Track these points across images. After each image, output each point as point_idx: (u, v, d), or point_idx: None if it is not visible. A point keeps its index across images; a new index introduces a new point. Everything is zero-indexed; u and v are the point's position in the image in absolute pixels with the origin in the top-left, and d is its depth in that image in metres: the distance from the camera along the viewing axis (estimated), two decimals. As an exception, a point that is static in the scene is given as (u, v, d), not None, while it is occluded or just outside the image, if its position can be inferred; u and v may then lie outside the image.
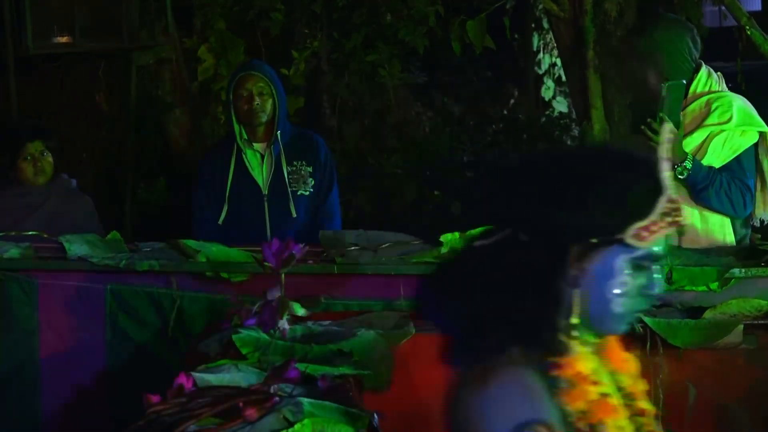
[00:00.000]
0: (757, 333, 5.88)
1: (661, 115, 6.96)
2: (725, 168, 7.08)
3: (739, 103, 7.22)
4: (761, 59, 7.30)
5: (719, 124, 7.11)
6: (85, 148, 11.35)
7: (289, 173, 7.89)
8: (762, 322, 5.92)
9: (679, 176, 6.97)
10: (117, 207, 10.69)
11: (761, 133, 7.16)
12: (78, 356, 6.31)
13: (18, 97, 12.22)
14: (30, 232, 6.78)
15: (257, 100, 7.80)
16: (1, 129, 9.64)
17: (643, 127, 6.99)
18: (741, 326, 5.86)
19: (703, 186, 7.04)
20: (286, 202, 7.85)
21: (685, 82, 7.18)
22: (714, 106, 7.18)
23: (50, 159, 8.38)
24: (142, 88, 12.83)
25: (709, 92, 7.26)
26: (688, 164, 6.97)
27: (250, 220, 7.78)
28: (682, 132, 7.01)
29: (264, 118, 7.84)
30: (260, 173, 7.87)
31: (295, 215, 7.84)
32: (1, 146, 8.52)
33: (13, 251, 6.45)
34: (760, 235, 7.14)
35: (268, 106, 7.83)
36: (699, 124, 7.13)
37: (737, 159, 7.14)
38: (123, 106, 12.72)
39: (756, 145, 7.17)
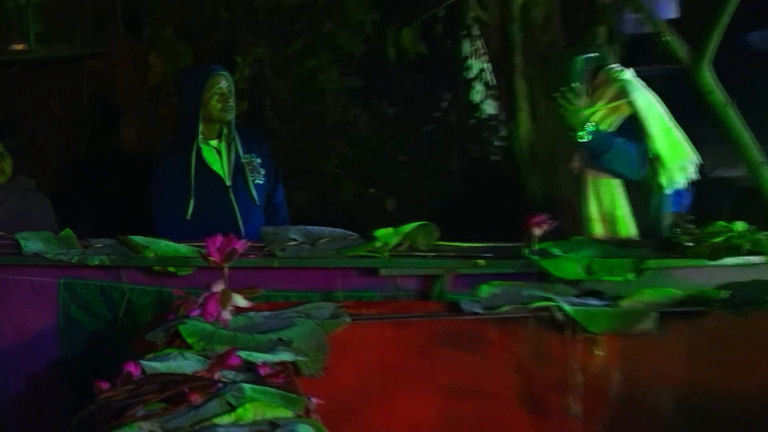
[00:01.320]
0: (670, 320, 5.93)
1: (574, 85, 7.12)
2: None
3: (621, 83, 7.41)
4: (679, 64, 7.36)
5: (598, 101, 7.30)
6: (42, 149, 11.34)
7: (244, 163, 8.02)
8: (675, 309, 5.98)
9: (581, 140, 7.13)
10: (72, 205, 10.66)
11: (634, 104, 7.32)
12: (32, 345, 6.32)
13: (-23, 105, 12.27)
14: (-14, 230, 6.79)
15: (228, 100, 7.94)
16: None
17: (557, 94, 7.15)
18: (655, 313, 5.93)
19: (603, 149, 7.24)
20: (248, 190, 7.96)
21: (594, 55, 7.37)
22: (602, 87, 7.39)
23: (9, 160, 8.45)
24: (94, 92, 12.83)
25: (603, 78, 7.47)
26: (590, 128, 7.13)
27: (219, 211, 7.87)
28: (584, 101, 7.19)
29: (230, 115, 7.95)
30: (220, 167, 7.95)
31: (258, 202, 7.98)
32: None
33: (-29, 247, 6.49)
34: (692, 217, 7.22)
35: (232, 104, 7.97)
36: None
37: (622, 128, 7.31)
38: (76, 109, 12.71)
39: (635, 116, 7.33)
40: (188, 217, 7.74)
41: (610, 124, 7.36)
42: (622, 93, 7.39)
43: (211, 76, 7.99)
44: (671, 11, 30.64)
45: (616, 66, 7.55)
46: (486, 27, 10.71)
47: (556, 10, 10.54)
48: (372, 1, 12.12)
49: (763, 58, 32.42)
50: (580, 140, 7.26)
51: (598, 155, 7.30)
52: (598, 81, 7.45)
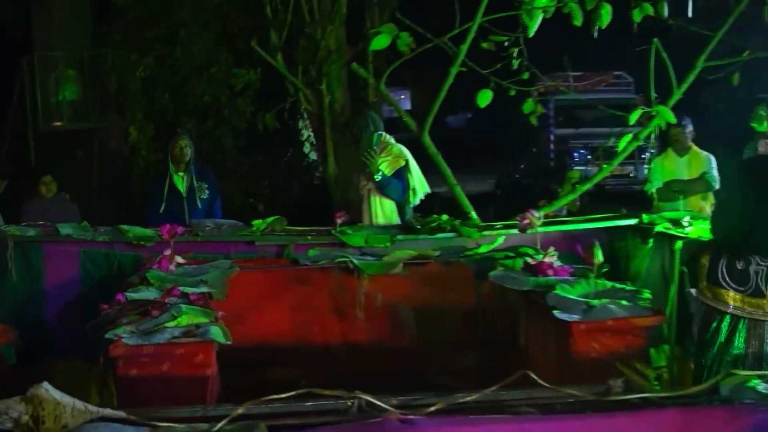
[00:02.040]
0: (410, 266, 5.92)
1: (374, 148, 7.13)
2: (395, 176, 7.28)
3: (397, 148, 7.38)
4: (413, 133, 7.34)
5: (385, 157, 7.28)
6: (72, 179, 11.01)
7: (196, 187, 7.95)
8: (412, 261, 5.97)
9: (376, 180, 7.14)
10: (88, 209, 10.37)
11: (406, 160, 7.31)
12: (66, 285, 6.09)
13: (35, 154, 12.06)
14: (40, 222, 6.55)
15: (186, 150, 7.93)
16: (27, 171, 9.96)
17: (365, 155, 7.15)
18: (402, 263, 5.91)
19: (386, 185, 7.23)
20: (195, 201, 7.89)
21: (380, 132, 7.36)
22: (386, 150, 7.35)
23: (55, 183, 8.71)
24: (99, 148, 12.67)
25: (385, 142, 7.41)
26: (380, 173, 7.15)
27: (177, 210, 7.76)
28: (377, 157, 7.20)
29: (187, 158, 7.94)
30: (182, 187, 7.91)
31: (200, 207, 7.87)
32: (31, 178, 8.86)
33: (31, 231, 6.22)
34: (420, 214, 7.22)
35: (190, 153, 7.94)
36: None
37: (397, 173, 7.29)
38: (89, 156, 12.55)
39: (406, 166, 7.31)
40: (161, 212, 7.69)
41: (391, 170, 7.33)
42: (400, 154, 7.39)
43: (176, 138, 8.11)
44: (407, 104, 31.10)
45: (387, 135, 7.52)
46: (310, 113, 10.66)
47: (348, 104, 10.53)
48: (250, 99, 12.02)
49: (456, 130, 32.85)
50: (376, 180, 7.25)
51: (383, 188, 7.28)
52: (381, 146, 7.42)
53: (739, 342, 3.92)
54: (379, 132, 7.49)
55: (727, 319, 3.95)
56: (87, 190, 11.88)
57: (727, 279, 3.95)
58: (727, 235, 4.00)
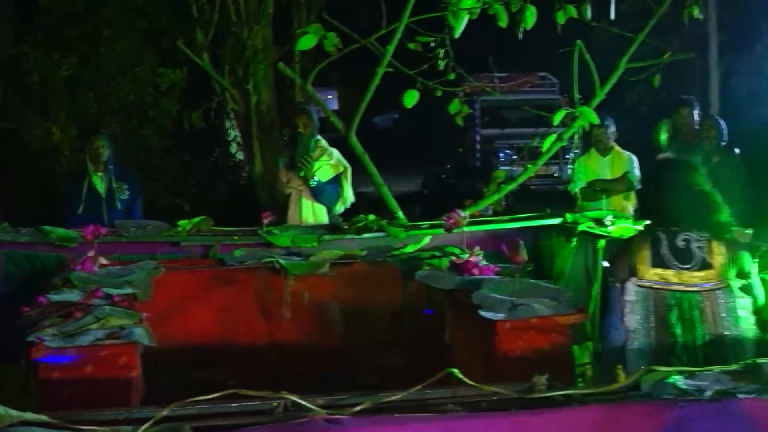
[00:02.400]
0: (336, 266, 5.92)
1: (311, 153, 7.11)
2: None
3: (336, 153, 7.37)
4: (341, 133, 7.32)
5: (326, 161, 7.30)
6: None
7: (115, 188, 7.89)
8: (339, 261, 5.96)
9: (312, 185, 7.14)
10: (9, 209, 10.20)
11: (345, 168, 7.32)
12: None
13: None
14: (-41, 225, 6.40)
15: (102, 150, 7.91)
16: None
17: (302, 159, 7.12)
18: (329, 263, 5.90)
19: (320, 191, 7.20)
20: (114, 202, 7.85)
21: (318, 138, 7.36)
22: (325, 154, 7.35)
23: None
24: (24, 148, 12.48)
25: (322, 148, 7.39)
26: (315, 179, 7.17)
27: (96, 210, 7.71)
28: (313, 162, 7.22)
29: (103, 158, 7.91)
30: (101, 187, 7.89)
31: (119, 208, 7.83)
32: None
33: (-50, 235, 6.09)
34: (342, 219, 7.22)
35: (106, 153, 7.92)
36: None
37: (336, 177, 7.28)
38: (12, 158, 12.39)
39: (343, 173, 7.32)
40: (79, 212, 7.65)
41: (332, 174, 7.32)
42: (340, 160, 7.39)
43: (93, 138, 8.12)
44: (335, 105, 31.18)
45: (322, 140, 7.50)
46: (237, 112, 10.62)
47: (274, 104, 10.51)
48: (176, 99, 11.94)
49: (383, 130, 32.97)
50: (311, 185, 7.25)
51: (317, 194, 7.26)
52: (317, 151, 7.39)
53: (700, 320, 4.24)
54: (316, 137, 7.45)
55: (680, 296, 4.27)
56: (8, 191, 11.68)
57: (673, 261, 4.29)
58: (662, 219, 4.37)
